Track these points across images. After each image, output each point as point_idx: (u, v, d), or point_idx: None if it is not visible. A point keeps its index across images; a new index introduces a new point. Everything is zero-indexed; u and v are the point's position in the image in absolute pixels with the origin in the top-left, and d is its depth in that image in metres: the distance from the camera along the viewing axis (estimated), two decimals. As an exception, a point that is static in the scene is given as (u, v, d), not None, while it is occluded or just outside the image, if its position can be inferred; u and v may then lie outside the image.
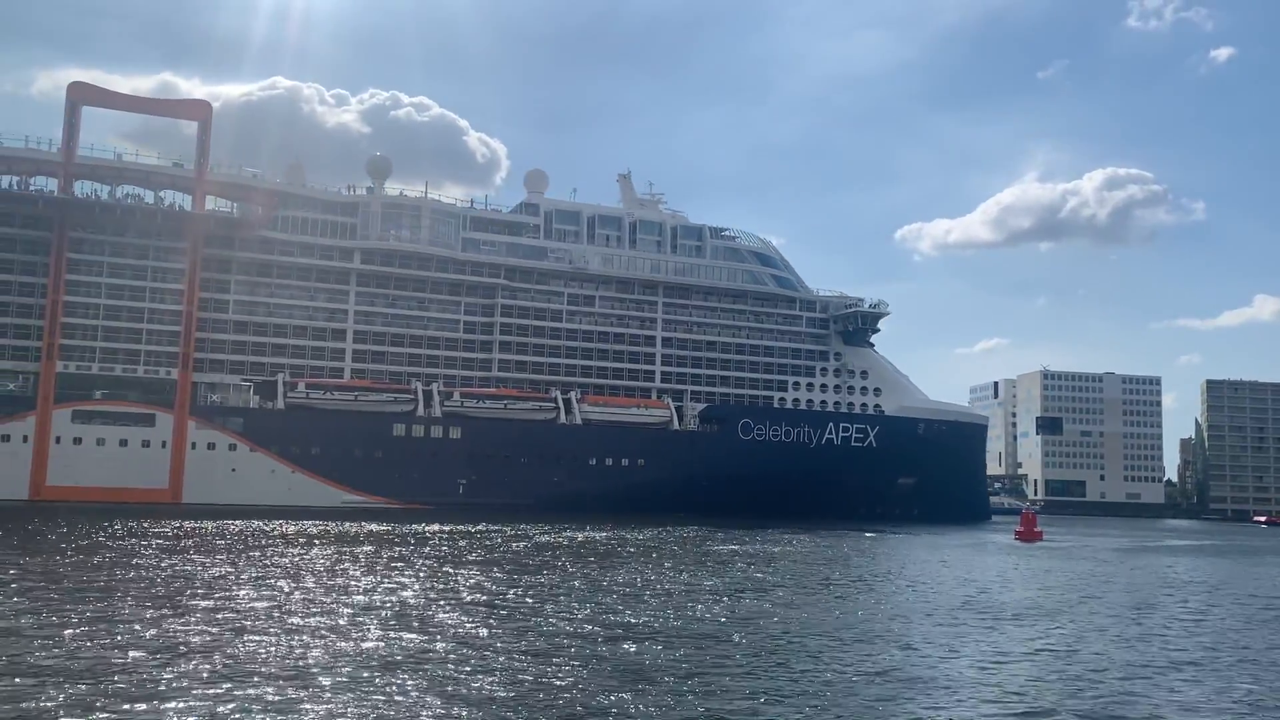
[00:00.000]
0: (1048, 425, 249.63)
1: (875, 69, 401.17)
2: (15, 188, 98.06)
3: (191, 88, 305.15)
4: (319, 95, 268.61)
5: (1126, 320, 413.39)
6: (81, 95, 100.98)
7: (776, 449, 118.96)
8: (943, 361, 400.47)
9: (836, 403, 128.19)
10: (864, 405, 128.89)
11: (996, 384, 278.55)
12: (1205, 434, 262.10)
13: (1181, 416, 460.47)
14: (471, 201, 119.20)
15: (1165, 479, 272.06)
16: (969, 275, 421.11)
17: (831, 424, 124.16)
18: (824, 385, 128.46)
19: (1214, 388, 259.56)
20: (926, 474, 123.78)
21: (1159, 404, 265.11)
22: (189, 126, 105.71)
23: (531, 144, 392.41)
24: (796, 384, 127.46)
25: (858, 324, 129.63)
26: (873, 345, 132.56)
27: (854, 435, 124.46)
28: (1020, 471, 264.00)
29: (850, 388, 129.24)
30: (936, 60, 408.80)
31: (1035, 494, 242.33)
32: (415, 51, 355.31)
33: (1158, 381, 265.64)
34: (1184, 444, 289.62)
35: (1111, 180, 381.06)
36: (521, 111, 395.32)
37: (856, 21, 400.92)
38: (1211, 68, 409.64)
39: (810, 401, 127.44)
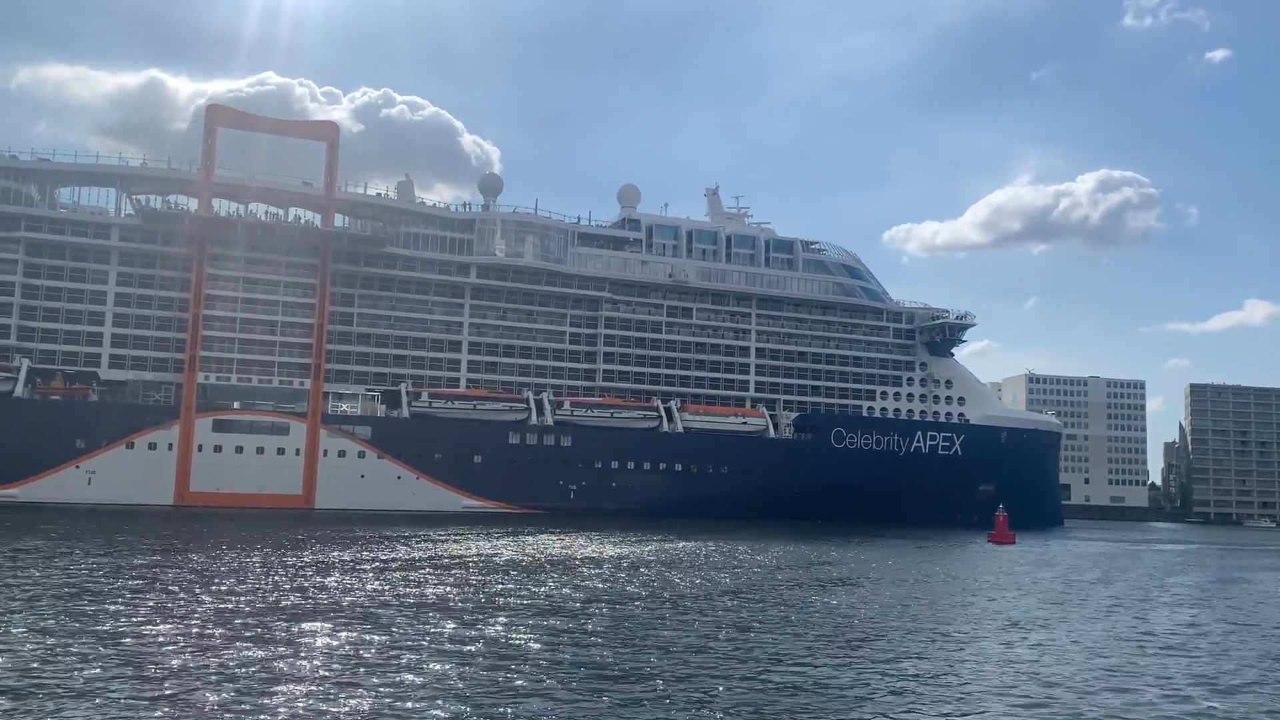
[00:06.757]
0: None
1: (869, 70, 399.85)
2: (160, 207, 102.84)
3: (179, 84, 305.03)
4: (310, 93, 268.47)
5: (1116, 323, 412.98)
6: (219, 118, 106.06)
7: (867, 457, 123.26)
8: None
9: (922, 412, 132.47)
10: (948, 414, 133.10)
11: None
12: (1189, 438, 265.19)
13: (1170, 420, 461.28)
14: (575, 218, 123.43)
15: (1149, 482, 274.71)
16: (958, 277, 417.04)
17: (919, 432, 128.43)
18: (910, 395, 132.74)
19: (1198, 391, 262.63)
20: (1006, 481, 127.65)
21: (1143, 407, 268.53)
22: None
23: (523, 145, 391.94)
24: (884, 393, 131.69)
25: (943, 335, 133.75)
26: (954, 355, 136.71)
27: (940, 444, 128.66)
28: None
29: (935, 397, 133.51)
30: (930, 62, 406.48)
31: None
32: (406, 51, 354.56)
33: (1142, 385, 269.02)
34: (1168, 448, 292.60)
35: (1105, 183, 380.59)
36: (513, 112, 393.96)
37: (851, 22, 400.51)
38: (1207, 69, 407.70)
39: (897, 410, 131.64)
